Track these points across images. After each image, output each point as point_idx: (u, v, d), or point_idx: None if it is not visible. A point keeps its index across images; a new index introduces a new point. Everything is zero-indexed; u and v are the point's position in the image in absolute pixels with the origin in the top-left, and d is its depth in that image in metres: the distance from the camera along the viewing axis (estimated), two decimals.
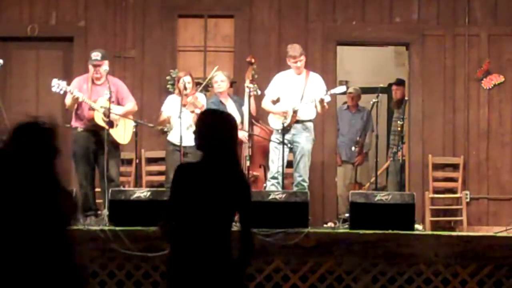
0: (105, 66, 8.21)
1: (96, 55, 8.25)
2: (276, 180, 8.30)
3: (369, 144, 10.28)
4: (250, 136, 8.67)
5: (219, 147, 4.22)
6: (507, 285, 7.05)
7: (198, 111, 8.41)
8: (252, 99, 8.70)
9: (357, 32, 9.87)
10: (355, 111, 10.62)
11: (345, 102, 10.95)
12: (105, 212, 7.62)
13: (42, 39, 9.79)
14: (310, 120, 8.52)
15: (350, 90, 10.62)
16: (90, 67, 8.25)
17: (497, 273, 7.07)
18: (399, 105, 10.27)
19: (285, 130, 8.29)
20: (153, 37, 9.80)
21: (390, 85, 10.63)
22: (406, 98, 10.03)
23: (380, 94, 9.03)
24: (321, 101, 8.33)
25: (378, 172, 9.16)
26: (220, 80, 8.77)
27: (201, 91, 8.80)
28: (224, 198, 4.15)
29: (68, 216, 3.75)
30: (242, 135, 8.64)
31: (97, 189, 8.30)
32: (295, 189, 8.30)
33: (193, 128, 8.35)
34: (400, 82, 10.42)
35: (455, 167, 9.76)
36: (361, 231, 7.19)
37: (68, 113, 8.46)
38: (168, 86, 9.48)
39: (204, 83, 8.84)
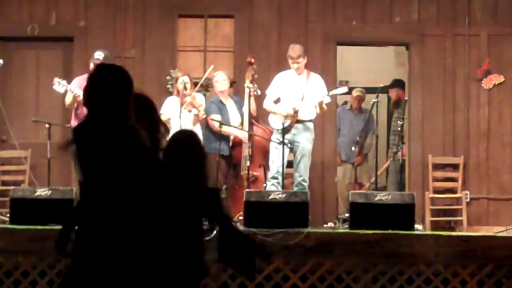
0: None
1: (99, 54, 8.29)
2: (276, 180, 8.30)
3: (369, 145, 10.25)
4: (250, 136, 8.67)
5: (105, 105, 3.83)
6: (507, 285, 7.04)
7: (195, 111, 8.42)
8: (252, 99, 8.71)
9: (357, 32, 9.86)
10: (358, 112, 10.61)
11: (345, 102, 10.93)
12: None
13: (42, 39, 9.79)
14: (310, 120, 8.52)
15: (358, 93, 10.62)
16: (92, 66, 8.26)
17: (497, 273, 7.06)
18: (397, 106, 10.26)
19: (285, 130, 8.29)
20: (153, 37, 9.80)
21: (385, 87, 10.50)
22: (406, 98, 10.02)
23: (380, 94, 9.02)
24: (320, 103, 8.34)
25: (378, 172, 9.16)
26: (222, 79, 8.79)
27: (199, 90, 8.80)
28: None
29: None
30: (242, 135, 8.67)
31: None
32: (295, 189, 8.30)
33: (193, 128, 8.45)
34: (394, 85, 10.40)
35: (455, 167, 9.75)
36: (361, 231, 7.18)
37: (68, 113, 8.46)
38: (168, 86, 9.47)
39: (200, 81, 8.82)
